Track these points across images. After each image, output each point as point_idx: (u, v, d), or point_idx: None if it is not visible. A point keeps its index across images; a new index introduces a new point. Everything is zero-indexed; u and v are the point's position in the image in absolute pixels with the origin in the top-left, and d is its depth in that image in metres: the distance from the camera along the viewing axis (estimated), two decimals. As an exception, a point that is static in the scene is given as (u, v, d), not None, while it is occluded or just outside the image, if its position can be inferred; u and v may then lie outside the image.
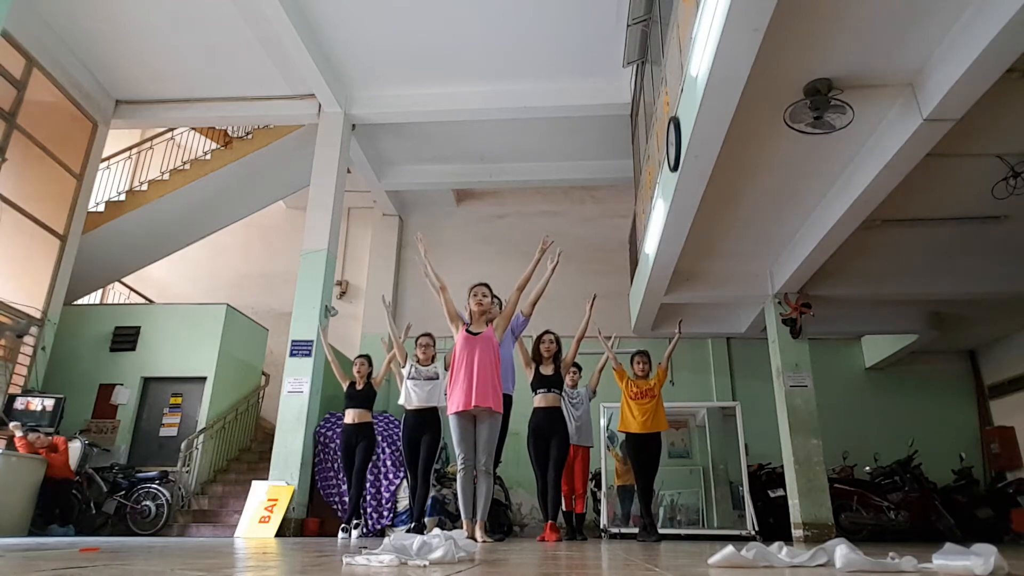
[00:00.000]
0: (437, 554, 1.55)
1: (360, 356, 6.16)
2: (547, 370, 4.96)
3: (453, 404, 4.12)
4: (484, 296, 4.37)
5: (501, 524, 6.68)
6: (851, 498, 7.16)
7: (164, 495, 6.77)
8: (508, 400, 5.48)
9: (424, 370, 5.37)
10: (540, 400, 4.93)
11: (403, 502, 6.81)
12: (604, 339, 5.66)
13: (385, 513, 6.83)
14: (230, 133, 10.04)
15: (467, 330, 4.27)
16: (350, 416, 5.86)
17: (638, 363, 5.57)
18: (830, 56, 3.94)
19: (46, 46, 7.44)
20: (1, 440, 6.39)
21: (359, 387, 5.93)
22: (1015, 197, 4.94)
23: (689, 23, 4.17)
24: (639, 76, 7.36)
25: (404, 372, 5.38)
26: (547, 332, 5.10)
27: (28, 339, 7.27)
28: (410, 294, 10.54)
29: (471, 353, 4.14)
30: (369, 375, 5.99)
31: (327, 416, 7.51)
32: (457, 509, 4.98)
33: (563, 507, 5.66)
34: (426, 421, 5.27)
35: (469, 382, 4.07)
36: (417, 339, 5.51)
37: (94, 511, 6.73)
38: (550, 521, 4.68)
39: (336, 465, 7.09)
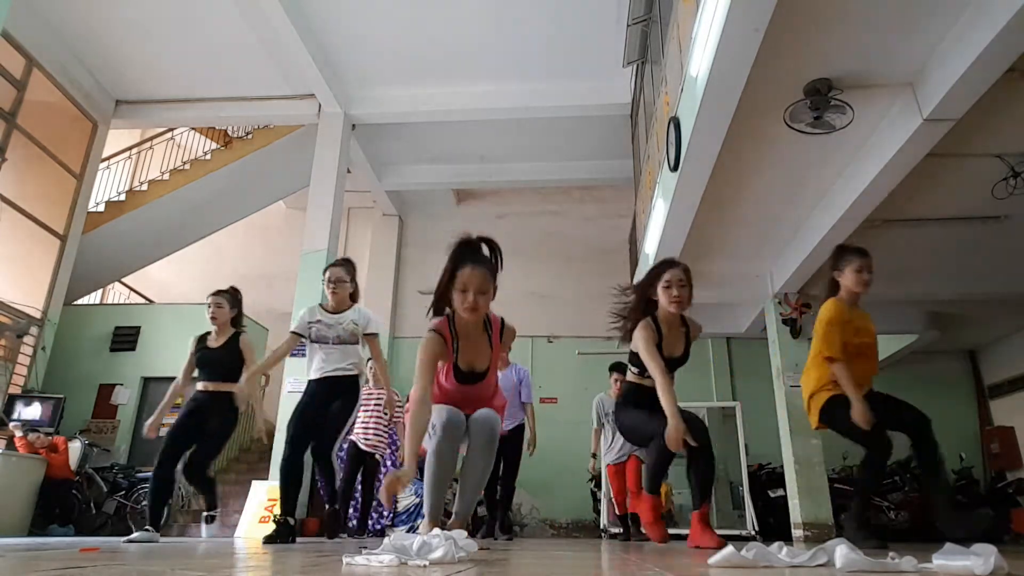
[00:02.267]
0: (437, 554, 1.55)
1: None
2: (676, 348, 3.01)
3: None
4: (481, 293, 2.33)
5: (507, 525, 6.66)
6: (851, 498, 7.17)
7: (164, 495, 6.77)
8: (521, 429, 5.31)
9: (335, 320, 3.90)
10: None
11: (403, 502, 6.81)
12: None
13: (385, 513, 6.83)
14: (230, 133, 10.05)
15: (455, 369, 2.46)
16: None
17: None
18: (830, 56, 3.94)
19: (46, 46, 7.45)
20: (1, 440, 6.39)
21: None
22: (1015, 197, 4.95)
23: (689, 23, 4.17)
24: (639, 76, 7.36)
25: (306, 332, 3.90)
26: (674, 263, 2.98)
27: (28, 339, 7.27)
28: (410, 294, 10.54)
29: (466, 403, 2.51)
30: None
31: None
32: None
33: (617, 511, 5.54)
34: (337, 387, 3.83)
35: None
36: (325, 273, 3.97)
37: (94, 511, 6.74)
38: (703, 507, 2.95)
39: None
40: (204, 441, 3.99)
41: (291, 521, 3.69)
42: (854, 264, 3.27)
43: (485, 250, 2.42)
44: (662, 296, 2.96)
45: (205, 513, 4.21)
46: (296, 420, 3.82)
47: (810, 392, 3.41)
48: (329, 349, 3.92)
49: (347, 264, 4.06)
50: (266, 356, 4.34)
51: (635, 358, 3.00)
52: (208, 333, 4.16)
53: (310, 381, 3.96)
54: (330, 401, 3.86)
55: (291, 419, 3.85)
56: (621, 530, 5.65)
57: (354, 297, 4.08)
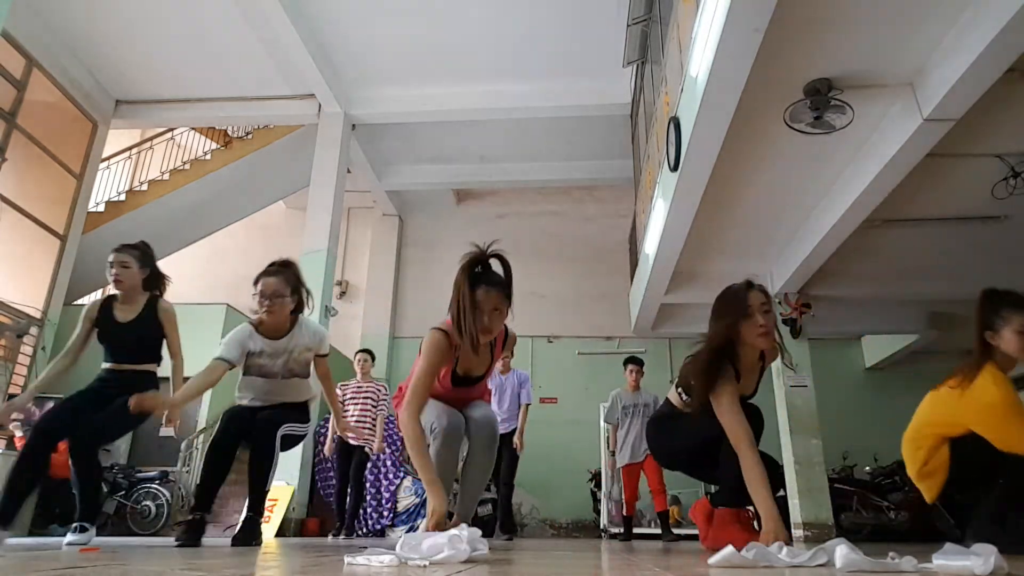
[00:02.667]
0: (443, 554, 1.54)
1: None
2: (749, 387, 2.54)
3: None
4: (496, 311, 2.29)
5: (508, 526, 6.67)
6: (851, 498, 7.17)
7: (164, 495, 6.77)
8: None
9: (281, 348, 3.21)
10: None
11: (403, 502, 6.81)
12: None
13: (385, 513, 6.84)
14: (230, 133, 10.06)
15: (453, 374, 2.43)
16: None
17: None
18: (830, 56, 3.94)
19: (46, 46, 7.44)
20: (1, 440, 6.39)
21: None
22: (1015, 197, 4.95)
23: (689, 23, 4.17)
24: (639, 76, 7.36)
25: (241, 362, 3.22)
26: (752, 285, 2.42)
27: (28, 339, 7.27)
28: (410, 294, 10.55)
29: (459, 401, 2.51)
30: None
31: (327, 416, 7.50)
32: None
33: (626, 511, 5.53)
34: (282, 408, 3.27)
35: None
36: (257, 284, 3.07)
37: (94, 511, 6.73)
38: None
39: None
40: (107, 413, 2.95)
41: (205, 517, 2.99)
42: (1015, 323, 2.50)
43: (496, 267, 2.33)
44: (745, 329, 2.34)
45: (76, 523, 3.05)
46: (216, 449, 3.05)
47: (922, 461, 2.84)
48: (273, 383, 3.16)
49: (286, 271, 3.06)
50: (186, 386, 2.97)
51: (691, 388, 2.50)
52: (111, 299, 3.17)
53: (242, 407, 3.16)
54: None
55: (208, 453, 3.06)
56: (622, 530, 5.65)
57: (297, 310, 3.13)
